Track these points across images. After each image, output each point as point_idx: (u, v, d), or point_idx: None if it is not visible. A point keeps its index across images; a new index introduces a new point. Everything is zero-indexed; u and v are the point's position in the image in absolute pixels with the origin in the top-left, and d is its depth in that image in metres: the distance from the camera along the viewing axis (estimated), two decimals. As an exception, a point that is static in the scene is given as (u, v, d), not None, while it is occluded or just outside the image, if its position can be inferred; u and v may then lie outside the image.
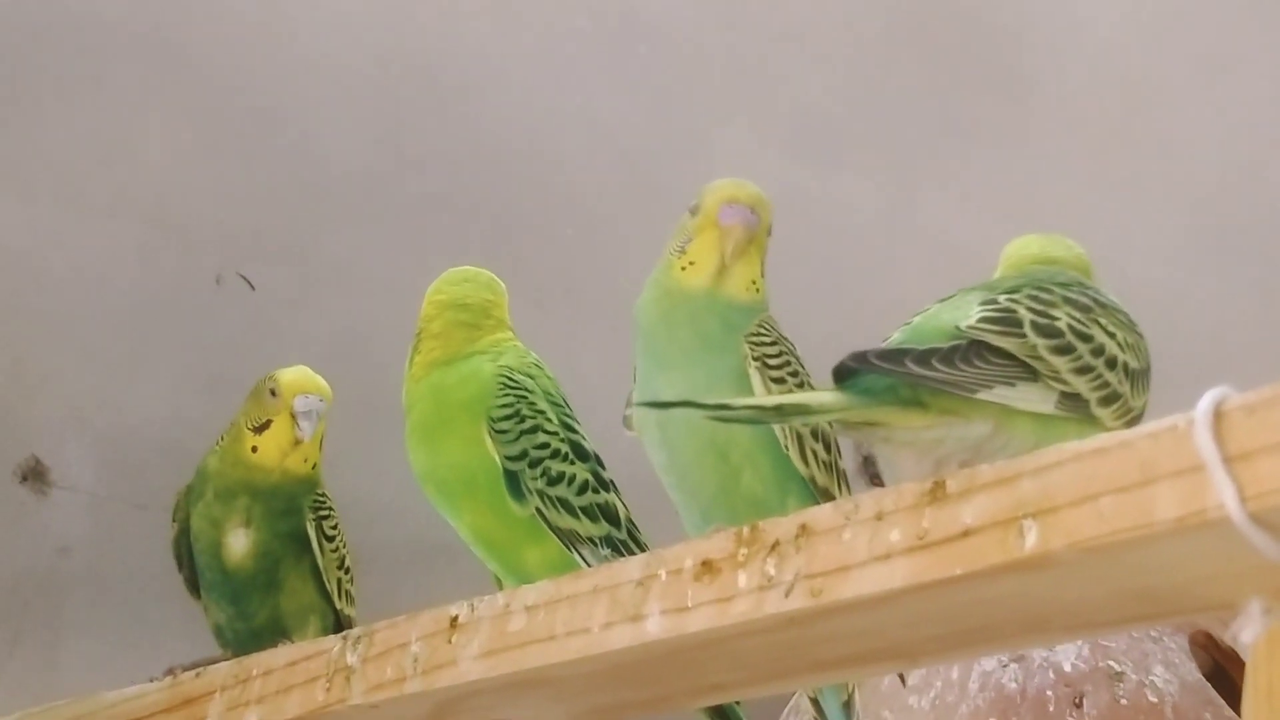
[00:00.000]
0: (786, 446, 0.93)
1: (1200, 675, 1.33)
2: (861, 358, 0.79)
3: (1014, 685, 1.30)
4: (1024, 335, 0.82)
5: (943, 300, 0.89)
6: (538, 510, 1.07)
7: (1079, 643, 1.31)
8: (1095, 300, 0.88)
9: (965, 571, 0.66)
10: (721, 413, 0.85)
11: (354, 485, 1.40)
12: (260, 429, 1.26)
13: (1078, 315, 0.85)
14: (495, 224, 1.66)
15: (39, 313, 1.48)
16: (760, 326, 0.96)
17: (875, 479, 1.77)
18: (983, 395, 0.79)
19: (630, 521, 1.10)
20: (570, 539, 1.07)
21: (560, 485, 1.07)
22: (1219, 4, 2.04)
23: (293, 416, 1.25)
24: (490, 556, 1.11)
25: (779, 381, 0.93)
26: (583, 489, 1.08)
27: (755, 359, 0.94)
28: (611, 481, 1.10)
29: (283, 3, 1.61)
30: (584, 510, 1.07)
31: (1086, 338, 0.84)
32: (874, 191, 1.86)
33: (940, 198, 1.89)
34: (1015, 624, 0.70)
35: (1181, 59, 2.03)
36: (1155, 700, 1.29)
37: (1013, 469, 0.66)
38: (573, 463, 1.08)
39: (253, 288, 1.56)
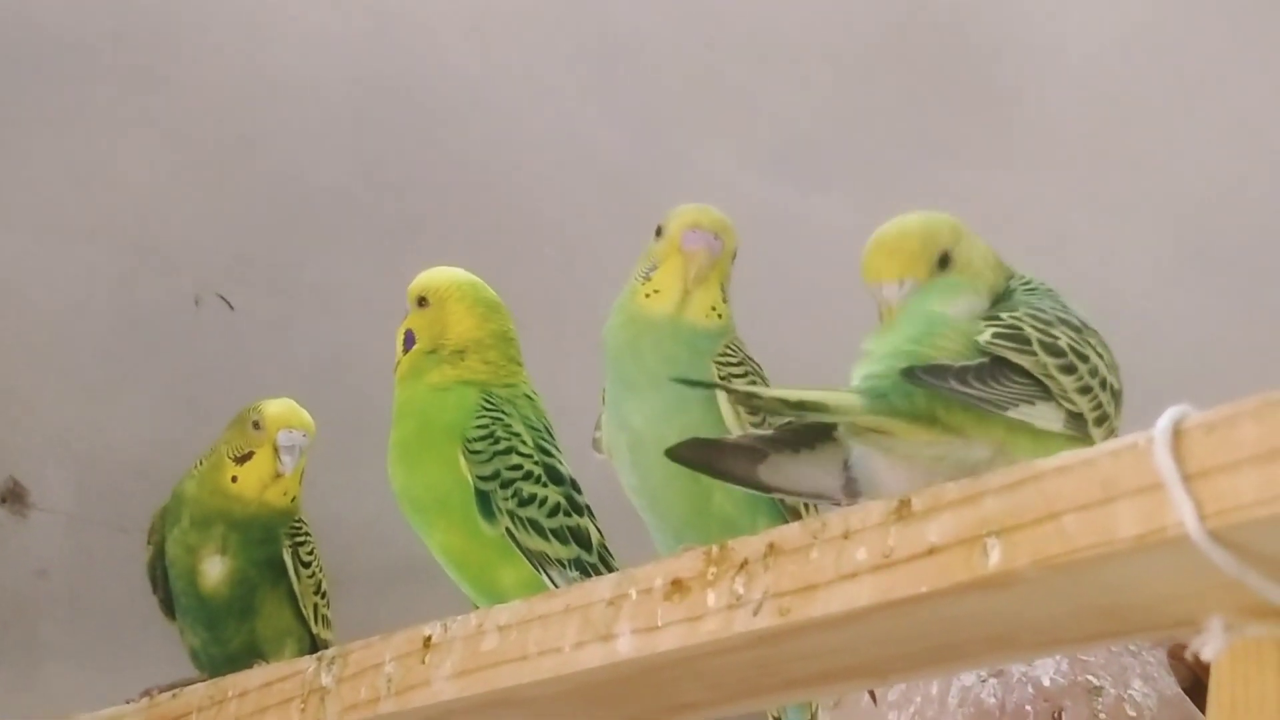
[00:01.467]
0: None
1: (1179, 689, 1.34)
2: (910, 373, 0.78)
3: (993, 700, 1.31)
4: (1035, 353, 0.82)
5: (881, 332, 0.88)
6: (508, 530, 1.07)
7: (1057, 657, 1.31)
8: (1081, 320, 0.88)
9: (931, 589, 0.66)
10: (749, 402, 0.85)
11: (333, 506, 1.40)
12: (242, 459, 1.25)
13: (1073, 335, 0.85)
14: (475, 246, 1.67)
15: (18, 337, 1.48)
16: (727, 348, 0.96)
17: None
18: (1012, 413, 0.79)
19: (603, 546, 1.10)
20: (540, 561, 1.07)
21: (531, 507, 1.08)
22: (1200, 23, 2.05)
23: (275, 450, 1.25)
24: (461, 577, 1.11)
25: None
26: (554, 511, 1.08)
27: (723, 380, 0.94)
28: (586, 506, 1.11)
29: (261, 28, 1.62)
30: (554, 532, 1.08)
31: (1084, 358, 0.84)
32: (855, 211, 1.87)
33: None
34: (982, 641, 0.71)
35: (1162, 77, 2.04)
36: (1134, 714, 1.29)
37: (977, 487, 0.66)
38: (545, 485, 1.09)
39: (231, 308, 1.57)
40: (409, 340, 1.14)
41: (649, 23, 1.78)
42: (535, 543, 1.07)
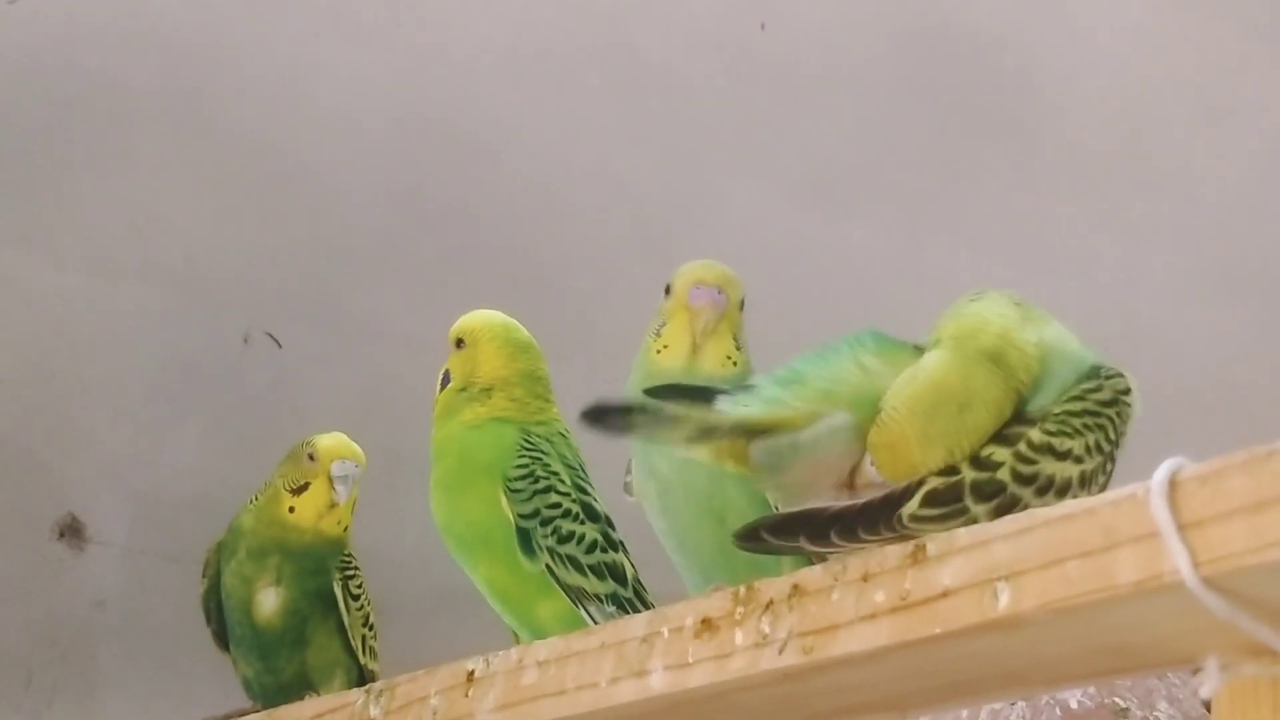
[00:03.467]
0: (778, 509, 0.97)
1: (1205, 710, 1.37)
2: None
3: (1021, 723, 1.34)
4: (965, 510, 0.83)
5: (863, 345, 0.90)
6: (547, 567, 1.12)
7: (1084, 681, 1.34)
8: (1066, 410, 0.87)
9: (944, 630, 0.70)
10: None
11: (379, 536, 1.45)
12: (298, 491, 1.31)
13: (1029, 451, 0.85)
14: (513, 277, 1.70)
15: (73, 375, 1.52)
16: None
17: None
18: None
19: (637, 580, 1.14)
20: (578, 595, 1.12)
21: (570, 544, 1.12)
22: (1222, 48, 2.07)
23: (330, 480, 1.30)
24: (504, 609, 1.15)
25: None
26: (591, 548, 1.12)
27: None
28: (621, 542, 1.15)
29: (303, 67, 1.66)
30: (592, 568, 1.12)
31: (1030, 479, 0.84)
32: (883, 238, 1.90)
33: (949, 242, 1.93)
34: (995, 678, 0.74)
35: (1185, 102, 2.06)
36: (1159, 737, 1.32)
37: (988, 533, 0.70)
38: (583, 523, 1.13)
39: (279, 345, 1.61)
40: (445, 380, 1.19)
41: (679, 57, 1.82)
42: (574, 578, 1.12)
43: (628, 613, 1.09)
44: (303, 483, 1.31)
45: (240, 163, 1.62)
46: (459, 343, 1.20)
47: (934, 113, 1.93)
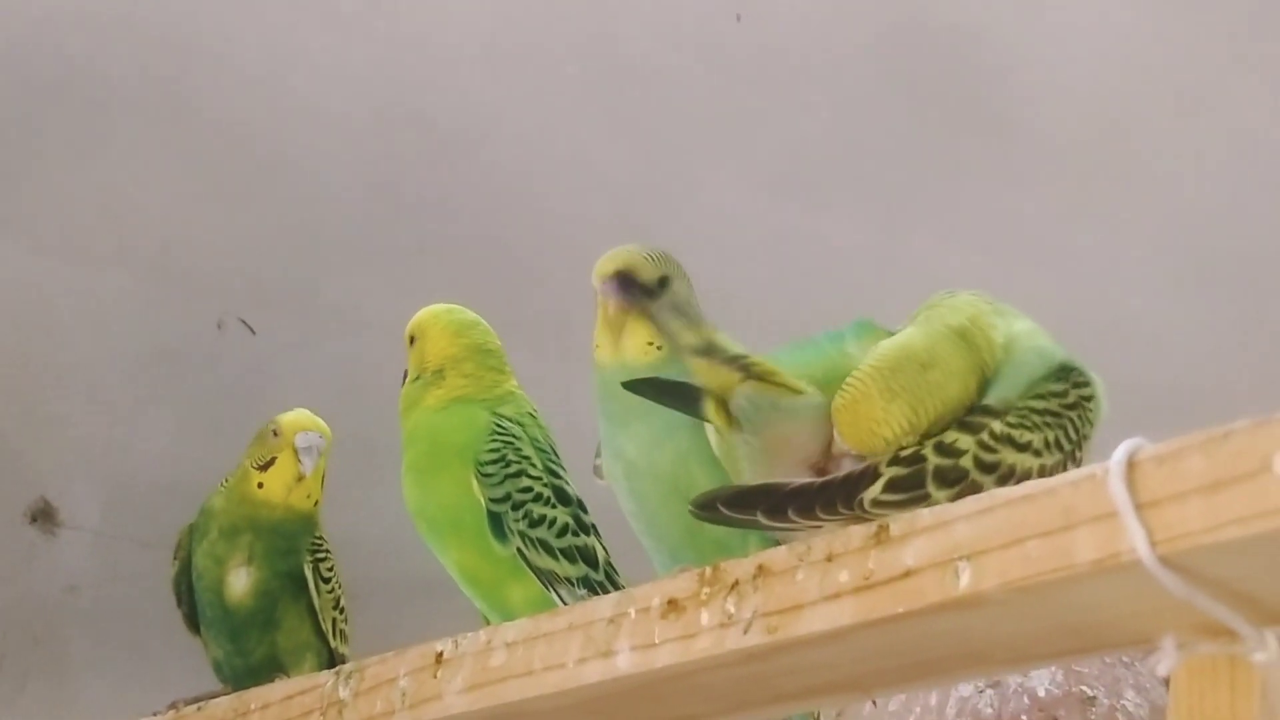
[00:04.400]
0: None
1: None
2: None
3: (990, 710, 1.35)
4: (927, 496, 0.84)
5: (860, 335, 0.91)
6: (519, 550, 1.12)
7: (1053, 668, 1.35)
8: (1029, 406, 0.88)
9: (907, 610, 0.70)
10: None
11: (352, 523, 1.45)
12: (265, 466, 1.32)
13: (991, 441, 0.86)
14: (490, 267, 1.71)
15: (47, 360, 1.53)
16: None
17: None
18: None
19: (609, 564, 1.15)
20: (549, 579, 1.12)
21: (541, 527, 1.13)
22: (1197, 44, 2.08)
23: (295, 453, 1.31)
24: (475, 593, 1.16)
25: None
26: (563, 532, 1.13)
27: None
28: (593, 525, 1.16)
29: (282, 55, 1.66)
30: (563, 552, 1.13)
31: (992, 467, 0.85)
32: (860, 230, 1.91)
33: (926, 235, 1.94)
34: (958, 657, 0.75)
35: (1161, 97, 2.07)
36: (1127, 724, 1.33)
37: (949, 514, 0.70)
38: (554, 506, 1.14)
39: (253, 332, 1.61)
40: (405, 378, 1.21)
41: (656, 49, 1.82)
42: (545, 562, 1.12)
43: (599, 595, 1.09)
44: (269, 458, 1.33)
45: (217, 150, 1.62)
46: (411, 340, 1.22)
47: (911, 106, 1.94)
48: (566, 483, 1.16)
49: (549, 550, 1.12)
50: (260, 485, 1.32)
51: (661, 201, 1.79)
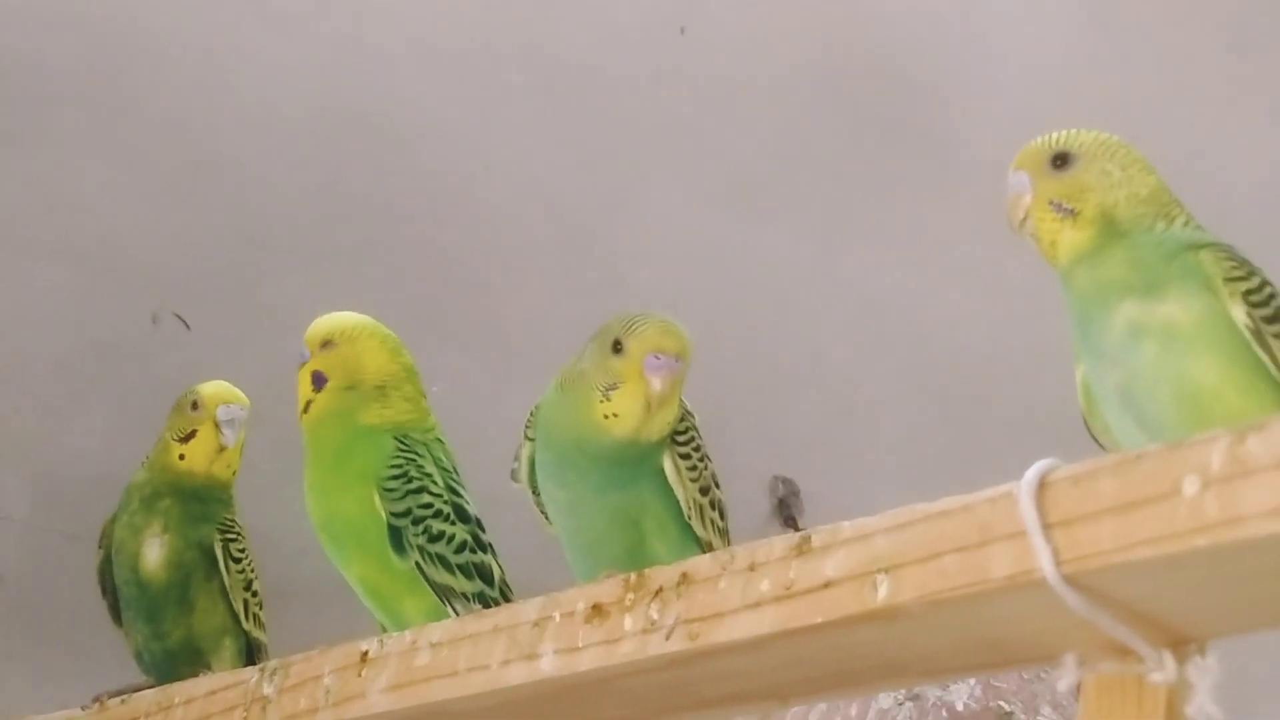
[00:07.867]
0: (689, 515, 1.00)
1: (1087, 715, 1.40)
2: None
3: (909, 724, 1.37)
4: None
5: None
6: (417, 564, 1.14)
7: (971, 683, 1.37)
8: None
9: (825, 620, 0.72)
10: None
11: (280, 522, 1.45)
12: (186, 439, 1.33)
13: None
14: (427, 270, 1.72)
15: (-22, 350, 1.52)
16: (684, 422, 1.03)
17: (789, 522, 1.83)
18: None
19: (504, 581, 1.17)
20: (445, 593, 1.14)
21: (440, 543, 1.14)
22: (1131, 62, 2.11)
23: (216, 425, 1.32)
24: (374, 605, 1.18)
25: (691, 468, 1.00)
26: (461, 548, 1.15)
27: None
28: (490, 544, 1.18)
29: (223, 52, 1.66)
30: (460, 568, 1.14)
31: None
32: (798, 245, 1.92)
33: (862, 251, 1.95)
34: (875, 668, 0.76)
35: (1094, 119, 2.09)
36: (1042, 740, 1.35)
37: (869, 527, 0.72)
38: (454, 523, 1.15)
39: (188, 327, 1.61)
40: (318, 380, 1.20)
41: (599, 58, 1.83)
42: (442, 576, 1.14)
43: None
44: (190, 430, 1.33)
45: (156, 146, 1.62)
46: (326, 343, 1.20)
47: (850, 123, 1.96)
48: (467, 501, 1.18)
49: (446, 565, 1.14)
50: (181, 457, 1.33)
51: (600, 210, 1.80)
